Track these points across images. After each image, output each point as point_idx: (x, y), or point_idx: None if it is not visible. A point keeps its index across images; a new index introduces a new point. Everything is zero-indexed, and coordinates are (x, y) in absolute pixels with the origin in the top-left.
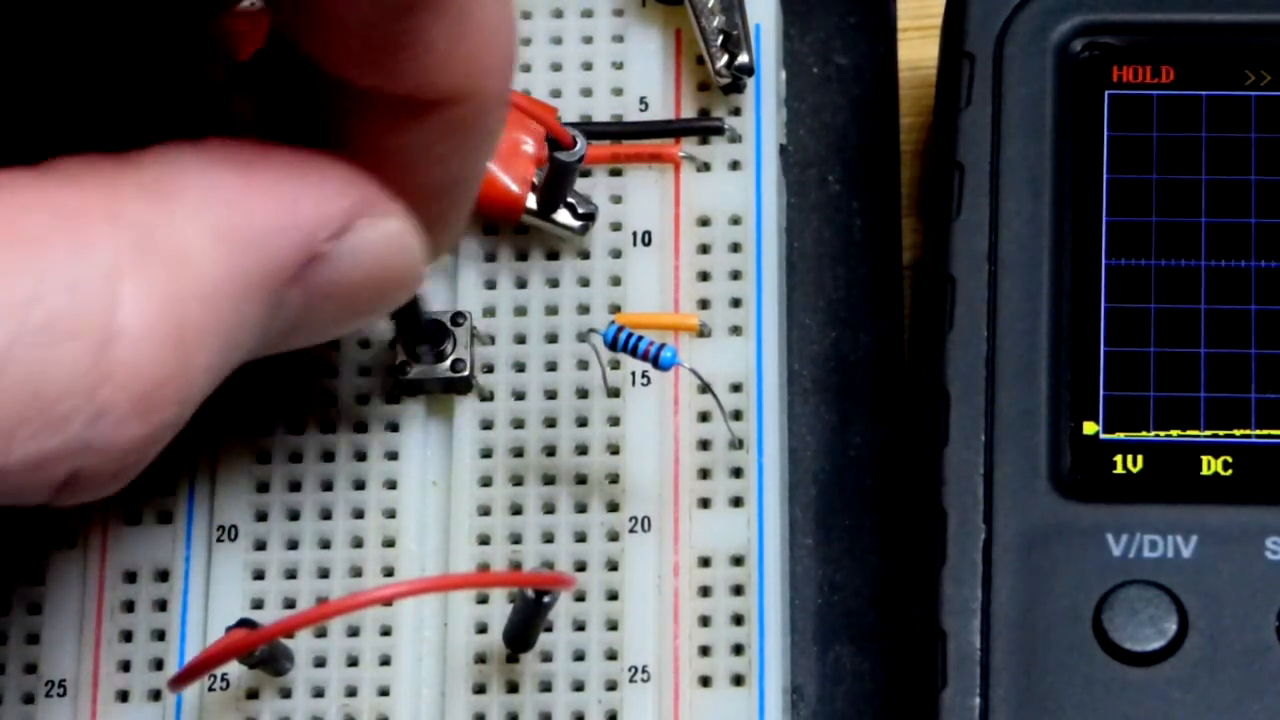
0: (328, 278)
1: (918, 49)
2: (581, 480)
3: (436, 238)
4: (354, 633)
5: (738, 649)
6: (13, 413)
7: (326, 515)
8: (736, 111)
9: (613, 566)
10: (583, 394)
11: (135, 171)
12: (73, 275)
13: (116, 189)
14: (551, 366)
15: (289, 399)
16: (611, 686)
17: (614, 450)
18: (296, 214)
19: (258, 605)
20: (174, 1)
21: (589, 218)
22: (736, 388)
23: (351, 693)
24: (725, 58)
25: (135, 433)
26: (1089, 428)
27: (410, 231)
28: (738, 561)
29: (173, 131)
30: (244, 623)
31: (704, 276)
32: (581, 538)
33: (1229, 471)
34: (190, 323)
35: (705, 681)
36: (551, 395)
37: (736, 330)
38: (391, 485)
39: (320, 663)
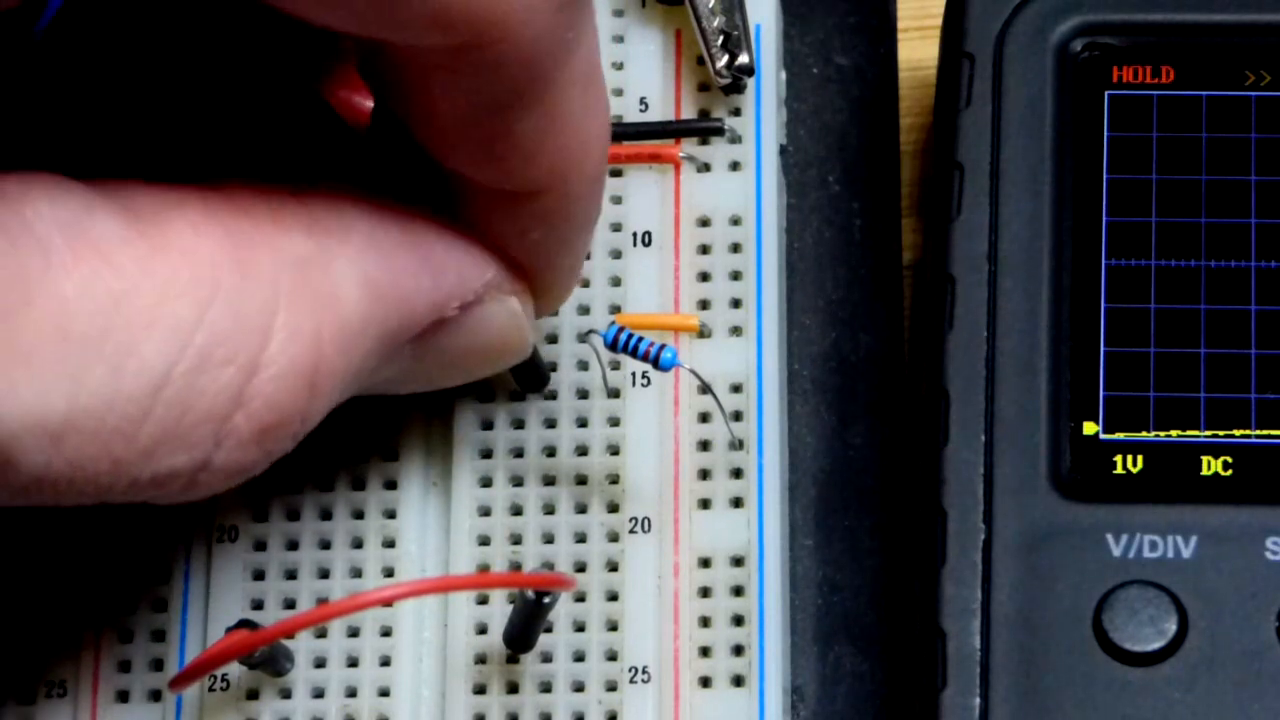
0: (446, 342)
1: (918, 49)
2: (581, 481)
3: (542, 301)
4: (354, 633)
5: (738, 649)
6: (160, 431)
7: (326, 516)
8: (736, 112)
9: (613, 567)
10: (583, 394)
11: (302, 208)
12: (236, 303)
13: (282, 221)
14: (552, 367)
15: None
16: (611, 687)
17: (614, 451)
18: (439, 280)
19: (258, 605)
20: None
21: None
22: (736, 388)
23: (351, 693)
24: (725, 58)
25: (250, 459)
26: (1089, 428)
27: (528, 313)
28: (738, 562)
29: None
30: (244, 623)
31: (704, 277)
32: (581, 538)
33: (1229, 471)
34: (324, 365)
35: (705, 682)
36: (552, 395)
37: (736, 331)
38: (391, 486)
39: (320, 663)
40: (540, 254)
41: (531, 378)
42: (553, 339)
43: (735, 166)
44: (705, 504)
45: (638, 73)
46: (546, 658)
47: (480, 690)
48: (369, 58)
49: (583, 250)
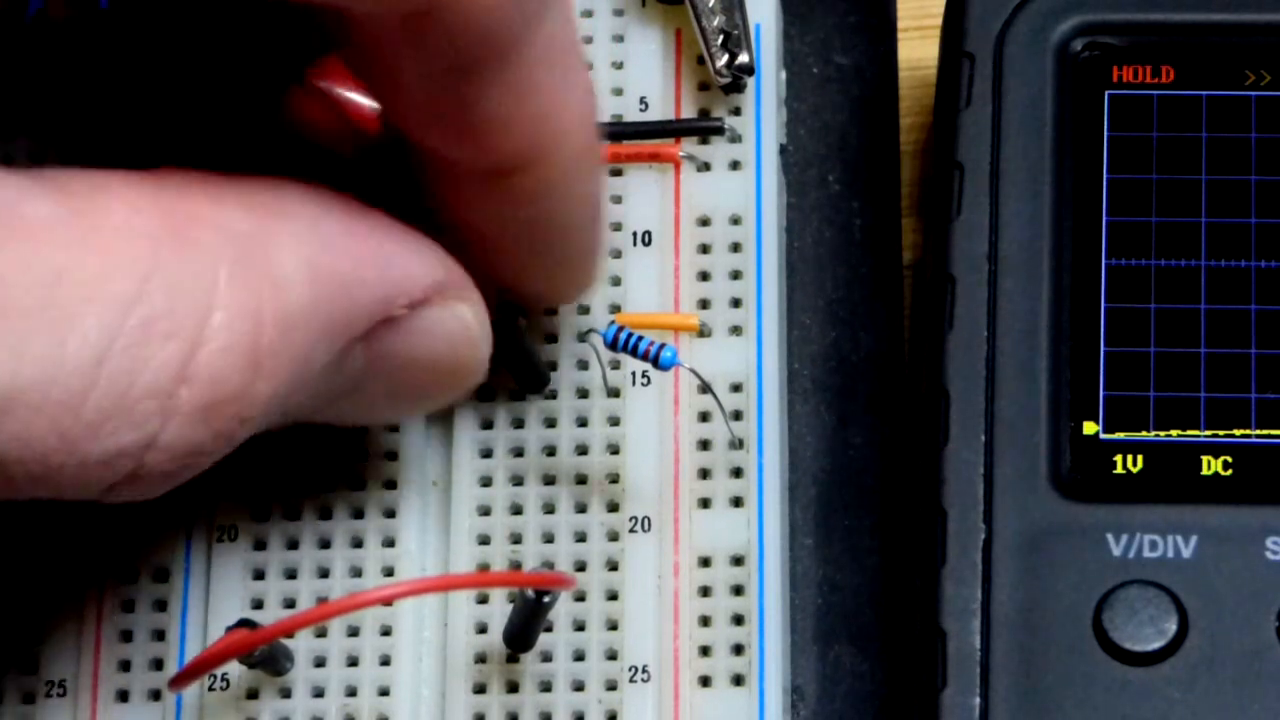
0: (394, 346)
1: (918, 49)
2: (581, 480)
3: (551, 289)
4: (354, 633)
5: (738, 649)
6: (105, 404)
7: (326, 515)
8: (736, 111)
9: (613, 566)
10: (583, 394)
11: (239, 190)
12: (176, 277)
13: (223, 202)
14: (551, 366)
15: None
16: (611, 686)
17: (614, 450)
18: (384, 272)
19: (258, 605)
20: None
21: None
22: (736, 388)
23: (351, 693)
24: (725, 57)
25: (197, 437)
26: (1089, 428)
27: (482, 325)
28: (738, 561)
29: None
30: (244, 623)
31: (704, 276)
32: (581, 538)
33: (1229, 471)
34: (265, 345)
35: (705, 681)
36: (552, 395)
37: (736, 330)
38: (391, 485)
39: (320, 663)
40: (537, 236)
41: (531, 378)
42: (552, 339)
43: (735, 166)
44: (705, 503)
45: (638, 72)
46: (546, 657)
47: (480, 689)
48: (340, 31)
49: (588, 236)
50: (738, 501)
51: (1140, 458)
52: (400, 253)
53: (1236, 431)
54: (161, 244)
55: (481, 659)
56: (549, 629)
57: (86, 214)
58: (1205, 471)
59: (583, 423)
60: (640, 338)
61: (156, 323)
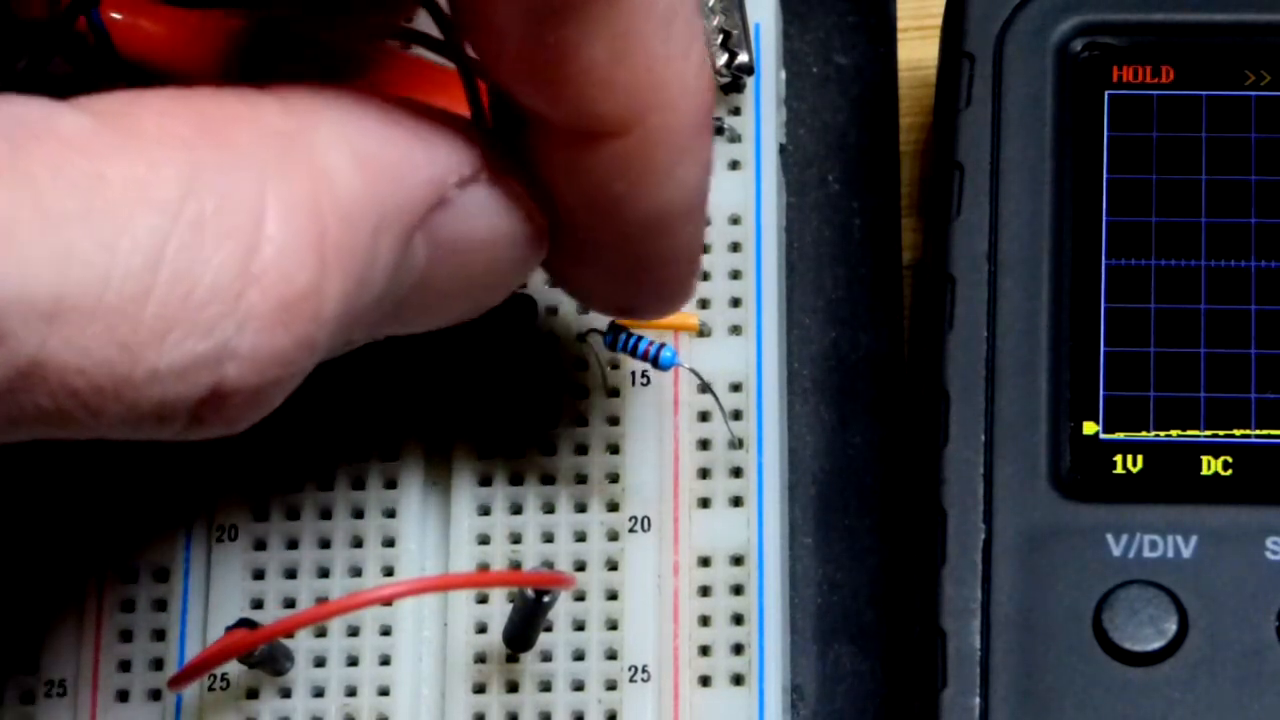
0: (454, 229)
1: (918, 49)
2: (581, 480)
3: (635, 295)
4: (354, 632)
5: (738, 649)
6: (166, 313)
7: (326, 515)
8: (736, 111)
9: (612, 566)
10: (582, 394)
11: (271, 93)
12: (221, 177)
13: (260, 104)
14: (551, 366)
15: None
16: (611, 686)
17: (614, 450)
18: (430, 154)
19: (258, 605)
20: None
21: None
22: (736, 387)
23: (351, 693)
24: (725, 57)
25: (277, 343)
26: (1089, 428)
27: (523, 201)
28: (737, 561)
29: None
30: (244, 623)
31: (704, 276)
32: (581, 537)
33: (1229, 471)
34: (330, 239)
35: (705, 681)
36: (551, 395)
37: (736, 330)
38: (391, 485)
39: (320, 662)
40: (628, 221)
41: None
42: (552, 338)
43: (735, 165)
44: (705, 503)
45: None
46: (546, 657)
47: (480, 689)
48: None
49: (683, 232)
50: (737, 501)
51: (1140, 458)
52: (442, 133)
53: (1236, 431)
54: (200, 148)
55: (481, 659)
56: (549, 629)
57: (120, 125)
58: (1205, 471)
59: (582, 422)
60: (640, 337)
61: (208, 224)
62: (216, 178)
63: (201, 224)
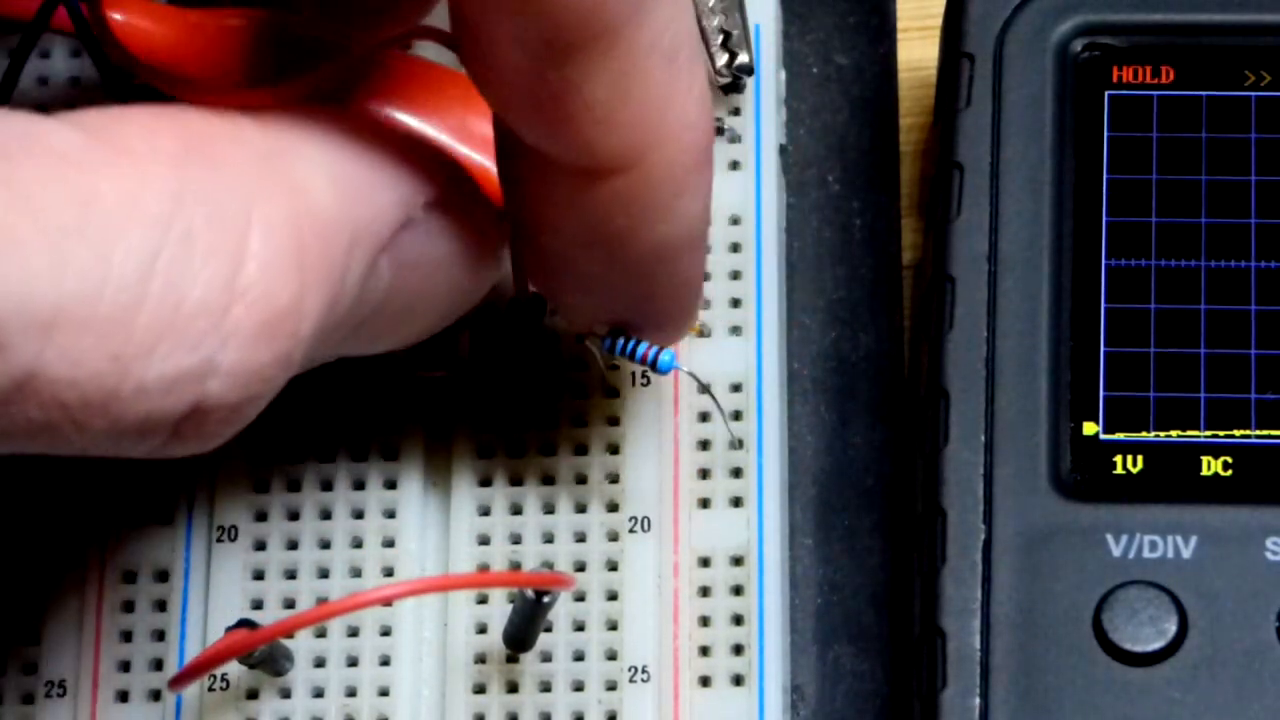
0: (417, 249)
1: (918, 49)
2: (581, 480)
3: (640, 322)
4: (354, 633)
5: (738, 649)
6: (156, 325)
7: (326, 515)
8: (736, 111)
9: (612, 566)
10: (582, 394)
11: (251, 115)
12: (207, 195)
13: (239, 123)
14: (552, 366)
15: (288, 398)
16: (611, 686)
17: (613, 450)
18: (401, 174)
19: (258, 605)
20: None
21: None
22: (736, 388)
23: (351, 693)
24: (725, 57)
25: (259, 359)
26: (1089, 428)
27: (493, 219)
28: (737, 561)
29: None
30: (244, 623)
31: (704, 276)
32: (581, 538)
33: (1229, 471)
34: (309, 253)
35: (705, 681)
36: (551, 395)
37: (736, 330)
38: (391, 486)
39: (320, 663)
40: (630, 257)
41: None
42: (553, 338)
43: (735, 166)
44: (705, 503)
45: None
46: (546, 657)
47: (480, 690)
48: None
49: (685, 263)
50: (737, 501)
51: (1140, 458)
52: (412, 154)
53: (1236, 432)
54: (187, 164)
55: (481, 659)
56: (549, 629)
57: (109, 141)
58: (1205, 472)
59: (582, 423)
60: (638, 341)
61: (198, 239)
62: (204, 193)
63: (190, 238)
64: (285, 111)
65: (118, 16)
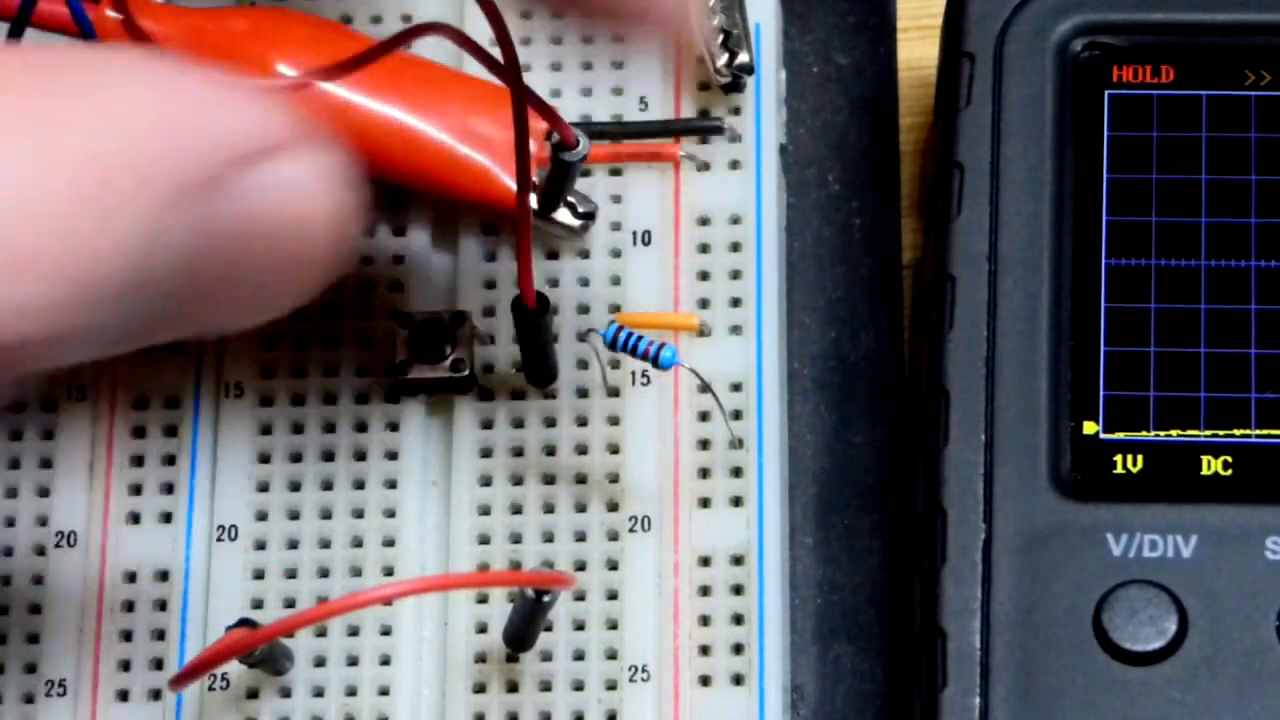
0: (236, 204)
1: (918, 49)
2: (581, 480)
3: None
4: (354, 632)
5: (738, 648)
6: None
7: (326, 515)
8: (736, 111)
9: (612, 566)
10: (582, 393)
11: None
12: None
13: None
14: (553, 364)
15: (288, 398)
16: (611, 686)
17: (614, 450)
18: (212, 121)
19: (258, 605)
20: None
21: (589, 217)
22: (736, 387)
23: (351, 692)
24: (725, 57)
25: (28, 295)
26: (1089, 428)
27: (332, 191)
28: (737, 561)
29: None
30: (244, 623)
31: (704, 276)
32: (581, 537)
33: (1229, 471)
34: (109, 195)
35: (705, 681)
36: (551, 395)
37: (736, 330)
38: (391, 485)
39: (320, 662)
40: None
41: (541, 371)
42: (553, 338)
43: (735, 165)
44: (705, 502)
45: (637, 72)
46: (546, 656)
47: (480, 689)
48: None
49: None
50: (737, 501)
51: (1140, 458)
52: (231, 102)
53: (1236, 431)
54: None
55: (481, 659)
56: (549, 629)
57: None
58: (1205, 471)
59: (582, 422)
60: (640, 337)
61: None
62: None
63: None
64: (116, 50)
65: (117, 16)
